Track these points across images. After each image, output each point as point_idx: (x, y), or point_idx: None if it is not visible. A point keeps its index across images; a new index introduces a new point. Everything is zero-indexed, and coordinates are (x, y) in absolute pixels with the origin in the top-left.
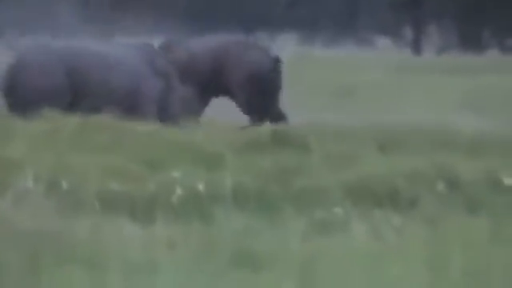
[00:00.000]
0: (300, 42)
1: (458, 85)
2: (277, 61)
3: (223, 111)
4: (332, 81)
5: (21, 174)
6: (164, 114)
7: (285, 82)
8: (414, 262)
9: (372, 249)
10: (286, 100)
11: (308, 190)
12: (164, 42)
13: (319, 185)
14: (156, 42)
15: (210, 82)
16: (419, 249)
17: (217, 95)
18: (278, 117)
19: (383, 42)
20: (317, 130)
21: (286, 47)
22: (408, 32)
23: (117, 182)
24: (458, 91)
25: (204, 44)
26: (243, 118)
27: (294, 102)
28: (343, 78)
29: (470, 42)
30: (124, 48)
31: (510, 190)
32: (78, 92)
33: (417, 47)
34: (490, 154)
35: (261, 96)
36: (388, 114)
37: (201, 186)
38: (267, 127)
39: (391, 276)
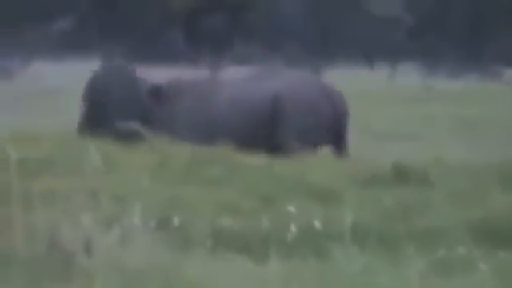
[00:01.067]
0: (422, 73)
1: None
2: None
3: None
4: (455, 114)
5: (129, 208)
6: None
7: (407, 114)
8: None
9: None
10: (405, 132)
11: (430, 228)
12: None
13: (441, 223)
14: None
15: None
16: None
17: None
18: None
19: (511, 75)
20: (439, 164)
21: (408, 78)
22: None
23: (229, 217)
24: None
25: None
26: None
27: (413, 134)
28: (467, 111)
29: None
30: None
31: None
32: None
33: None
34: None
35: None
36: None
37: (317, 223)
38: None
39: None
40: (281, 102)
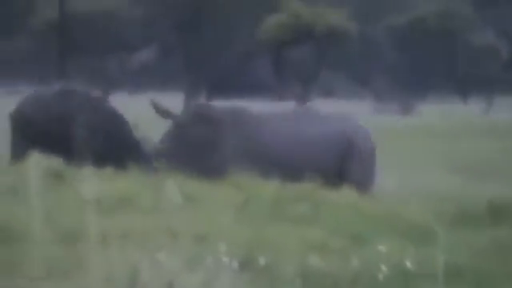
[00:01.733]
0: None
1: None
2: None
3: None
4: None
5: (213, 248)
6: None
7: (501, 149)
8: None
9: None
10: (499, 167)
11: None
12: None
13: None
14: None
15: None
16: None
17: None
18: None
19: None
20: None
21: (504, 111)
22: None
23: (317, 256)
24: None
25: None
26: None
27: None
28: None
29: None
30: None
31: None
32: None
33: None
34: None
35: None
36: None
37: (408, 263)
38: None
39: None
40: (353, 141)
